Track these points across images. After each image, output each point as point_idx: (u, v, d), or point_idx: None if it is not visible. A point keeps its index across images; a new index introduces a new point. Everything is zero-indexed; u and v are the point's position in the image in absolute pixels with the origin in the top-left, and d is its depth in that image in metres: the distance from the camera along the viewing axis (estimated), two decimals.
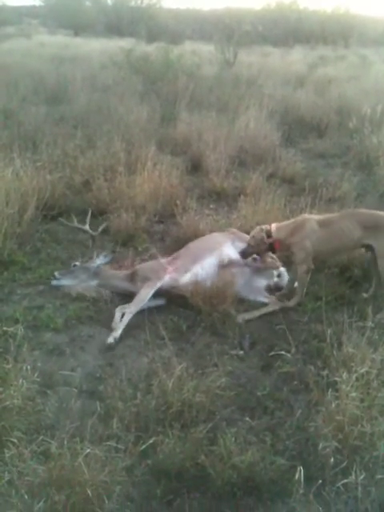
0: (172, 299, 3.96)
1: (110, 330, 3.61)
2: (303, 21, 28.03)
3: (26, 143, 6.34)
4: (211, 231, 4.77)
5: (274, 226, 3.98)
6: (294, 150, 7.90)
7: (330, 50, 21.49)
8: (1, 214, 4.49)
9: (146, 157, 5.84)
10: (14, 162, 5.29)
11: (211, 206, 5.83)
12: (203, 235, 4.64)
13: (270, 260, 4.21)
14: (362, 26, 28.59)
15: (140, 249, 4.83)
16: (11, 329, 3.30)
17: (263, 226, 4.00)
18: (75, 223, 4.46)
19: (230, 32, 14.83)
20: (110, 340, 3.48)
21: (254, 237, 3.98)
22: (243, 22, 17.66)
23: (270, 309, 3.90)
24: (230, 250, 4.19)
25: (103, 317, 3.78)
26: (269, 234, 3.93)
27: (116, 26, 28.39)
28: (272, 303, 3.95)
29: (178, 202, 5.32)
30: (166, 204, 5.51)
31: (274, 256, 4.22)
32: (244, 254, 4.06)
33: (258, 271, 4.19)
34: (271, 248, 4.00)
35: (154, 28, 25.59)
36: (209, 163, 6.53)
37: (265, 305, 3.97)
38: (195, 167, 6.83)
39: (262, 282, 4.17)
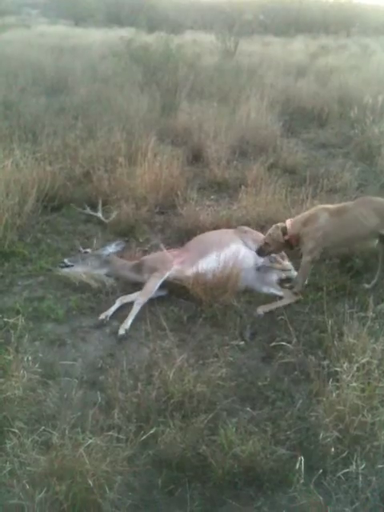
0: (173, 290, 3.95)
1: (101, 321, 3.62)
2: (305, 10, 27.73)
3: (26, 134, 6.29)
4: (212, 222, 4.76)
5: (288, 221, 3.93)
6: (295, 140, 7.88)
7: (332, 40, 21.25)
8: (1, 205, 4.49)
9: (146, 147, 5.81)
10: (14, 152, 5.29)
11: (212, 197, 5.81)
12: (204, 226, 4.63)
13: (281, 264, 4.17)
14: (364, 15, 28.26)
15: (141, 240, 4.82)
16: (12, 320, 3.31)
17: (279, 224, 3.95)
18: (88, 210, 4.45)
19: (230, 21, 14.75)
20: (121, 332, 3.48)
21: (270, 235, 3.93)
22: (244, 12, 17.60)
23: (286, 302, 3.86)
24: (240, 246, 4.11)
25: (104, 308, 3.77)
26: (284, 232, 3.89)
27: (116, 16, 28.12)
28: (287, 296, 3.90)
29: (178, 192, 5.31)
30: (167, 195, 5.49)
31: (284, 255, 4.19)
32: (260, 252, 3.98)
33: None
34: (288, 245, 3.95)
35: (154, 17, 25.34)
36: (209, 153, 6.49)
37: (275, 297, 3.94)
38: (196, 158, 6.80)
39: (273, 276, 4.12)
